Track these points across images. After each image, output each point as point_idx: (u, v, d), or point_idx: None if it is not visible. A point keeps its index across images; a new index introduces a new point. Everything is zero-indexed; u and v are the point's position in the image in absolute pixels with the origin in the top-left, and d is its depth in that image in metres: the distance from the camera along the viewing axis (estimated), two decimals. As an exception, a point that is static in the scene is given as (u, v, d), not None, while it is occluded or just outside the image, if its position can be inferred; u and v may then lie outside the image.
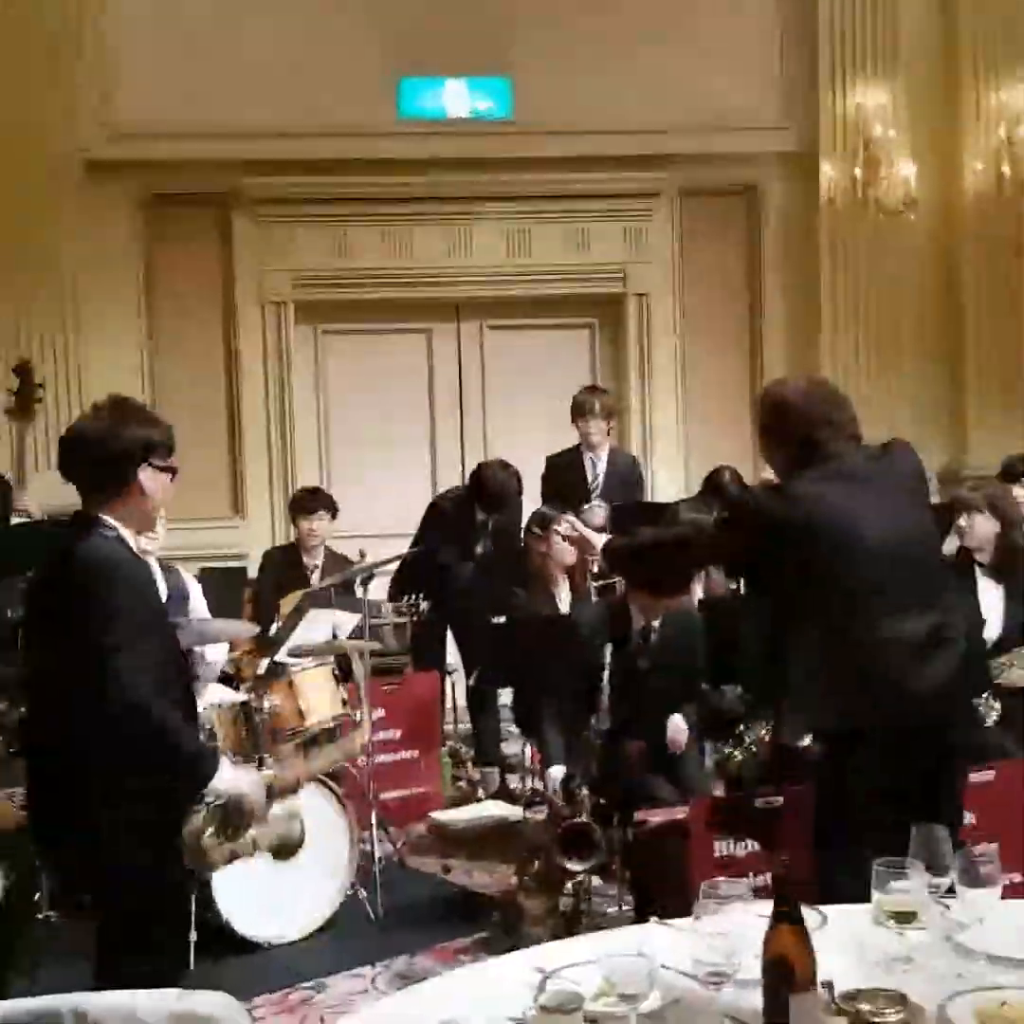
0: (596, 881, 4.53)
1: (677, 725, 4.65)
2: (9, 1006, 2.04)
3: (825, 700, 3.27)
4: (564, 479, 6.38)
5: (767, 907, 1.95)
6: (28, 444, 5.49)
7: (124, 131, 7.45)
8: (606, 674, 4.41)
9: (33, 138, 7.14)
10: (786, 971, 1.88)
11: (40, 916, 4.17)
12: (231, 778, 2.85)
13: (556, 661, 4.68)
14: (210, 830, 2.81)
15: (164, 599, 4.63)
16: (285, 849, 3.14)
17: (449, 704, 6.50)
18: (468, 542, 6.18)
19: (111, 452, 2.84)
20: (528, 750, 5.61)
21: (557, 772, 4.54)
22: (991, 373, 8.03)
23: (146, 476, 2.87)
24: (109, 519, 2.84)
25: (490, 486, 6.10)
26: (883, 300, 7.94)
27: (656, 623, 4.58)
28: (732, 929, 1.95)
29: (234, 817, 2.84)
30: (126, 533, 2.86)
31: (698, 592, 5.37)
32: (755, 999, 1.93)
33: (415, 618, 6.67)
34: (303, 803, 3.30)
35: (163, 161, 7.46)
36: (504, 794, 5.98)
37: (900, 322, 7.99)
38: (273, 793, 2.99)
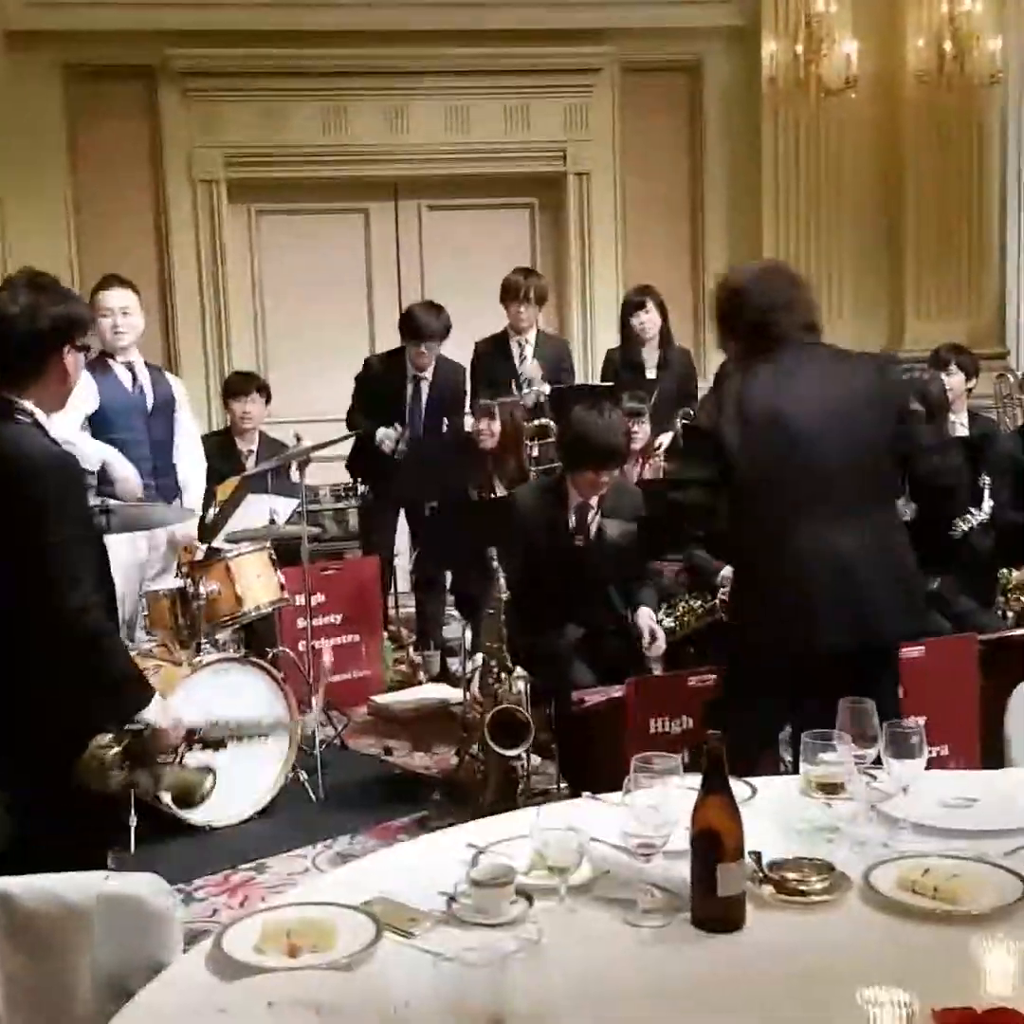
0: (536, 760, 4.60)
1: (646, 620, 4.47)
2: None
3: (743, 613, 3.25)
4: (492, 365, 6.30)
5: (697, 781, 1.98)
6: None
7: (43, -1, 7.16)
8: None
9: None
10: (714, 841, 1.91)
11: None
12: (158, 710, 2.72)
13: (495, 545, 4.66)
14: (114, 750, 2.64)
15: (151, 406, 4.85)
16: (187, 797, 2.88)
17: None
18: (399, 402, 6.08)
19: (33, 332, 2.67)
20: (469, 633, 5.64)
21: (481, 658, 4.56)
22: (930, 253, 7.99)
23: (69, 357, 2.74)
24: (26, 403, 2.68)
25: (415, 314, 6.02)
26: (825, 180, 7.86)
27: (594, 501, 4.56)
28: (662, 802, 1.97)
29: (146, 747, 2.69)
30: (41, 417, 2.72)
31: (634, 474, 5.37)
32: (683, 869, 1.96)
33: (360, 503, 6.66)
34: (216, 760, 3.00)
35: (85, 31, 7.15)
36: (445, 677, 6.04)
37: (841, 202, 7.92)
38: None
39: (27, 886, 2.00)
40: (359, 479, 6.50)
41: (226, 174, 7.63)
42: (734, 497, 3.21)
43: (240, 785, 4.47)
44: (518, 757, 4.24)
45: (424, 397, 6.13)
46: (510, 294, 6.25)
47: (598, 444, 4.38)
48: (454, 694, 5.48)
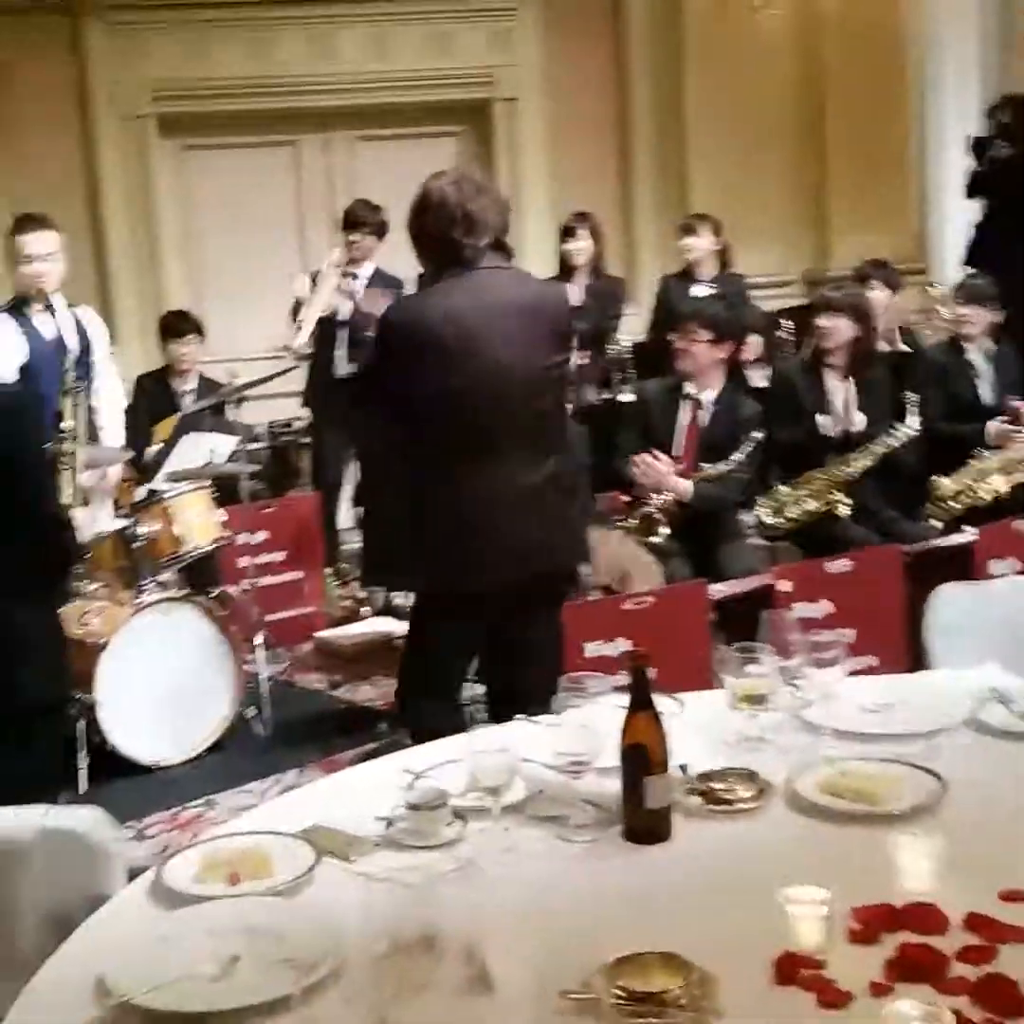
0: (480, 688, 4.65)
1: None
2: None
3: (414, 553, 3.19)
4: None
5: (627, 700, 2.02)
6: None
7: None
8: None
9: None
10: (641, 756, 1.96)
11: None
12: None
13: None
14: None
15: (76, 352, 4.63)
16: None
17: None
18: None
19: None
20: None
21: None
22: (853, 171, 7.97)
23: None
24: None
25: (351, 206, 6.11)
26: (750, 99, 7.82)
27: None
28: (593, 721, 2.02)
29: None
30: None
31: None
32: (613, 785, 2.01)
33: (311, 438, 6.59)
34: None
35: (5, -34, 6.97)
36: (389, 611, 6.05)
37: (766, 122, 7.89)
38: None
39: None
40: (312, 413, 6.43)
41: (154, 109, 7.49)
42: (409, 428, 3.12)
43: (187, 724, 4.50)
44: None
45: (358, 296, 5.93)
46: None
47: None
48: (398, 627, 5.50)
